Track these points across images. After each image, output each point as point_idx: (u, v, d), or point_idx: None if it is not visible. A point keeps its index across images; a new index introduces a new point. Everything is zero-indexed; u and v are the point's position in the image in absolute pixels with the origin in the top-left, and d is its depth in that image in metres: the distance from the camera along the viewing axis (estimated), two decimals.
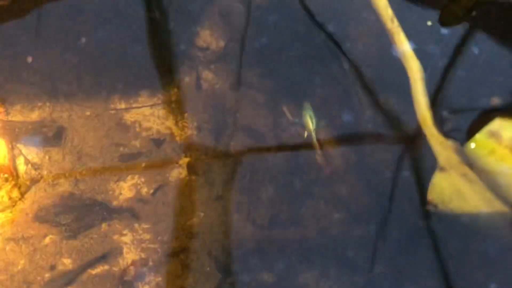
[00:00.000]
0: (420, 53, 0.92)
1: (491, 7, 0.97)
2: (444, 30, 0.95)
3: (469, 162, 0.86)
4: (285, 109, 0.92)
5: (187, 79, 0.94)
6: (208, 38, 0.97)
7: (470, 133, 0.88)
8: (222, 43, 0.97)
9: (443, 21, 0.94)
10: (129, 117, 0.91)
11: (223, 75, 0.94)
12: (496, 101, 0.92)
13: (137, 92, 0.93)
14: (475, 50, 0.94)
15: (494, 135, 0.85)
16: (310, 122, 0.90)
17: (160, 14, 0.97)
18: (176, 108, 0.92)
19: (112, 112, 0.91)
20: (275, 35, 0.97)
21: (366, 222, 0.86)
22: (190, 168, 0.89)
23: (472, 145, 0.86)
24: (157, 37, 0.97)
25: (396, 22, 0.93)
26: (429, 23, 0.96)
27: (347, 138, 0.91)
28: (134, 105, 0.92)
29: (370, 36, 0.96)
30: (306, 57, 0.95)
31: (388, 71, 0.94)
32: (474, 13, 0.96)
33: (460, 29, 0.96)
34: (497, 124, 0.86)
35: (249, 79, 0.94)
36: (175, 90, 0.93)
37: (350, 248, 0.85)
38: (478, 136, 0.86)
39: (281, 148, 0.90)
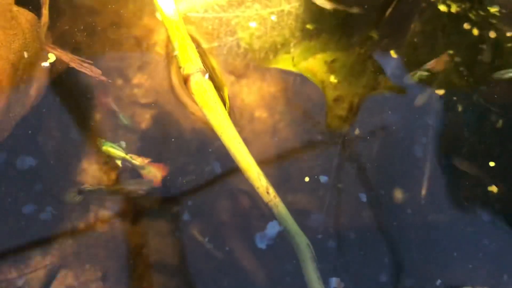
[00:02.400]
0: (305, 223, 0.86)
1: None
2: (324, 178, 0.91)
3: None
4: (195, 232, 0.86)
5: (81, 226, 0.86)
6: (98, 173, 0.90)
7: None
8: (113, 175, 0.90)
9: (329, 124, 0.91)
10: (24, 285, 0.82)
11: (121, 211, 0.87)
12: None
13: (28, 255, 0.84)
14: (363, 198, 0.90)
15: None
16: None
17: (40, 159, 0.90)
18: (75, 261, 0.84)
19: (2, 285, 0.82)
20: (170, 156, 0.91)
21: None
22: None
23: None
24: (38, 184, 0.89)
25: (273, 193, 0.86)
26: (306, 178, 0.92)
27: None
28: (26, 271, 0.83)
29: None
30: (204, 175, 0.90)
31: None
32: (357, 131, 0.93)
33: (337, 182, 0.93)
34: None
35: (150, 207, 0.88)
36: (70, 241, 0.85)
37: None
38: None
39: (197, 277, 0.84)
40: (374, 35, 1.02)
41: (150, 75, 0.97)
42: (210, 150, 0.91)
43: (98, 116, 0.93)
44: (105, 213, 0.87)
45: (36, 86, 0.77)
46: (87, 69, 0.84)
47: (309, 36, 1.00)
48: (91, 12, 1.01)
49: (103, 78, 0.87)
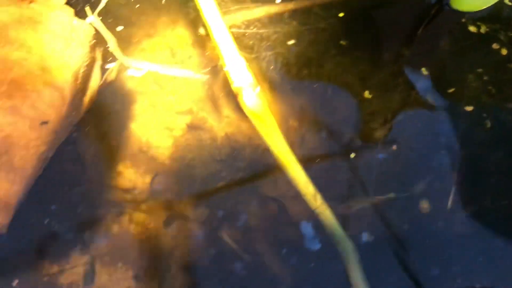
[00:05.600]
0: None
1: None
2: (353, 189, 0.94)
3: None
4: (225, 235, 0.88)
5: (115, 228, 0.89)
6: (133, 176, 0.93)
7: None
8: (148, 179, 0.93)
9: (364, 138, 0.94)
10: (64, 280, 0.86)
11: (155, 213, 0.91)
12: None
13: (67, 252, 0.88)
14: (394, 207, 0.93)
15: None
16: None
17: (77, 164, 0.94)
18: (110, 260, 0.87)
19: (45, 279, 0.86)
20: (201, 164, 0.94)
21: None
22: None
23: None
24: (76, 189, 0.92)
25: (320, 200, 0.88)
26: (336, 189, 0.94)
27: None
28: (67, 266, 0.87)
29: None
30: (235, 181, 0.93)
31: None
32: (394, 146, 0.96)
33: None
34: None
35: (182, 211, 0.91)
36: (105, 241, 0.88)
37: None
38: None
39: (227, 280, 0.86)
40: (406, 52, 1.04)
41: (185, 84, 1.00)
42: (242, 156, 0.95)
43: (134, 122, 0.97)
44: (139, 215, 0.91)
45: (90, 94, 0.82)
46: (179, 71, 0.87)
47: (342, 52, 1.04)
48: (127, 23, 1.04)
49: (198, 75, 0.90)
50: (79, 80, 0.73)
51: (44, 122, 0.67)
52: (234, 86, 0.96)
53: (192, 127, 0.96)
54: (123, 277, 0.86)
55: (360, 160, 0.95)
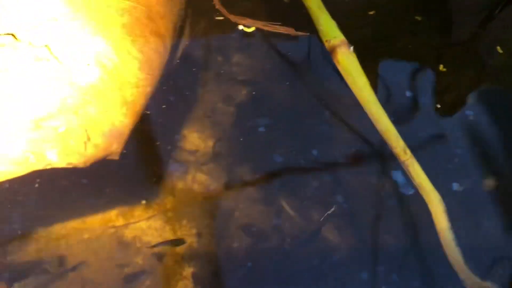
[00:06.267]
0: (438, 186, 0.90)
1: None
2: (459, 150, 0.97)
3: None
4: (283, 203, 0.91)
5: (180, 185, 0.93)
6: (196, 140, 0.97)
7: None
8: (210, 143, 0.97)
9: (440, 110, 0.97)
10: (128, 233, 0.90)
11: (216, 176, 0.94)
12: None
13: (132, 206, 0.92)
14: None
15: None
16: None
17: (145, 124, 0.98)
18: (174, 217, 0.91)
19: (111, 230, 0.90)
20: (263, 132, 0.98)
21: None
22: (196, 278, 0.87)
23: None
24: (144, 146, 0.97)
25: (409, 153, 0.90)
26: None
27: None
28: (131, 220, 0.91)
29: None
30: (295, 152, 0.96)
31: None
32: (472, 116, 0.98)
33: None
34: None
35: (242, 176, 0.94)
36: (170, 198, 0.92)
37: None
38: None
39: (283, 243, 0.89)
40: (481, 30, 1.06)
41: (250, 54, 1.03)
42: (305, 125, 0.98)
43: (201, 88, 1.00)
44: (201, 176, 0.94)
45: (181, 49, 0.87)
46: (281, 29, 0.93)
47: (417, 26, 1.06)
48: None
49: (299, 33, 0.95)
50: (176, 33, 0.78)
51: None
52: (329, 44, 0.98)
53: (255, 96, 1.00)
54: (187, 233, 0.90)
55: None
